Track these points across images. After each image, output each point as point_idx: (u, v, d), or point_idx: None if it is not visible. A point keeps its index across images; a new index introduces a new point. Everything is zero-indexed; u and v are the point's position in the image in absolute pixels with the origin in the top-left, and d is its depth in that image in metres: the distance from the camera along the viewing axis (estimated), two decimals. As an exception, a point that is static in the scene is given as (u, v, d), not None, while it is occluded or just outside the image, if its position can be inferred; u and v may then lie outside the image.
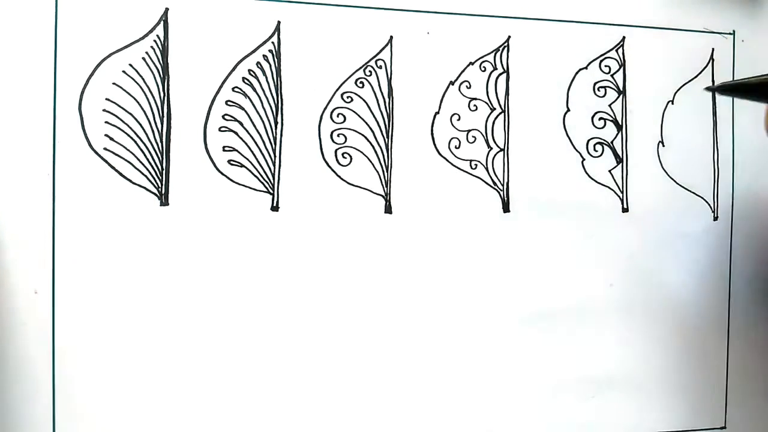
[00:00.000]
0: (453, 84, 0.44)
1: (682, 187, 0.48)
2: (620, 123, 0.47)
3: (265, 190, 0.42)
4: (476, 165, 0.45)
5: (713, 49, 0.48)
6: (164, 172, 0.41)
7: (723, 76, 0.48)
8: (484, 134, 0.45)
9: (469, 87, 0.45)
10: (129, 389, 0.40)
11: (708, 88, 0.43)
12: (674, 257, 0.48)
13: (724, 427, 0.49)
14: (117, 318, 0.40)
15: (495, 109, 0.45)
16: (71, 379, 0.40)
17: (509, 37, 0.45)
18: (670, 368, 0.48)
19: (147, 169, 0.40)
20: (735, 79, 0.47)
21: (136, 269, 0.40)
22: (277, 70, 0.42)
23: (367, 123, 0.43)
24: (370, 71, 0.43)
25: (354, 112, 0.43)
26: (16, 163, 0.39)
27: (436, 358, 0.44)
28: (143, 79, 0.40)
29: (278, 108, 0.42)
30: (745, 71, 0.49)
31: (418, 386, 0.44)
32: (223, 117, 0.41)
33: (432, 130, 0.44)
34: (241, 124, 0.42)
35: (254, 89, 0.42)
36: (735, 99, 0.48)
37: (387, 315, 0.44)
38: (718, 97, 0.48)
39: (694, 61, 0.48)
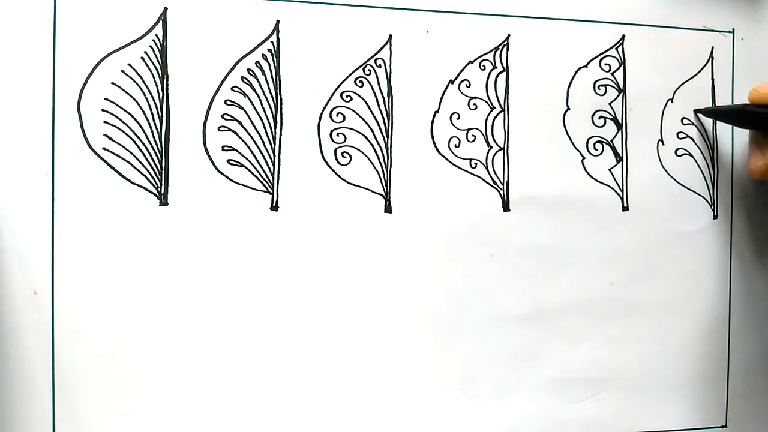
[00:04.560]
0: (453, 83, 0.44)
1: (682, 185, 0.48)
2: (620, 121, 0.47)
3: (265, 189, 0.42)
4: (476, 164, 0.45)
5: (713, 48, 0.48)
6: (163, 171, 0.41)
7: (722, 75, 0.48)
8: (484, 133, 0.45)
9: (469, 86, 0.45)
10: (128, 389, 0.40)
11: (697, 111, 0.47)
12: (674, 256, 0.48)
13: (725, 426, 0.49)
14: (117, 318, 0.40)
15: (495, 107, 0.45)
16: (71, 379, 0.40)
17: (509, 35, 0.45)
18: (671, 367, 0.48)
19: (146, 169, 0.40)
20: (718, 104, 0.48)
21: (135, 269, 0.40)
22: (276, 70, 0.42)
23: (366, 122, 0.43)
24: (369, 70, 0.43)
25: (353, 111, 0.43)
26: (15, 163, 0.39)
27: (436, 357, 0.44)
28: (142, 78, 0.40)
29: (277, 107, 0.42)
30: (745, 69, 0.49)
31: (417, 384, 0.44)
32: (222, 116, 0.41)
33: (432, 129, 0.44)
34: (241, 123, 0.42)
35: (253, 88, 0.42)
36: (734, 97, 0.48)
37: (387, 314, 0.44)
38: (717, 95, 0.48)
39: (694, 59, 0.48)
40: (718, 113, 0.47)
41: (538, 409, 0.46)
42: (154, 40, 0.40)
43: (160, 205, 0.41)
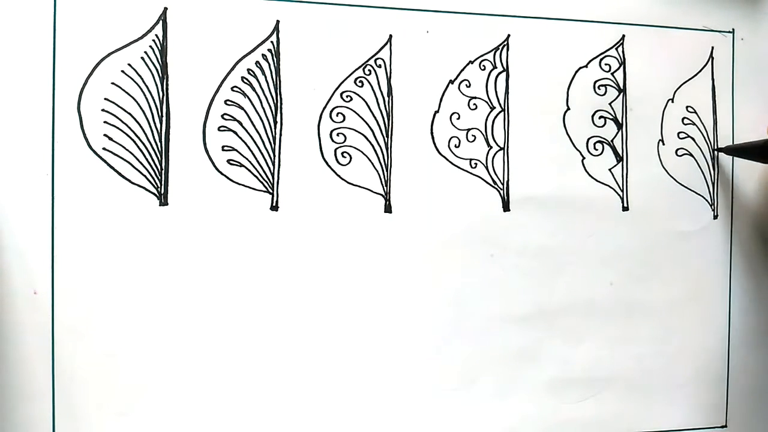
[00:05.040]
0: (453, 83, 0.44)
1: (682, 185, 0.48)
2: (620, 121, 0.47)
3: (265, 189, 0.42)
4: (476, 164, 0.45)
5: (713, 48, 0.48)
6: (163, 171, 0.41)
7: (722, 75, 0.48)
8: (484, 133, 0.45)
9: (469, 86, 0.45)
10: (128, 389, 0.40)
11: (719, 149, 0.47)
12: (674, 256, 0.48)
13: (725, 426, 0.49)
14: (117, 318, 0.40)
15: (495, 107, 0.45)
16: (71, 379, 0.40)
17: (509, 35, 0.45)
18: (671, 367, 0.48)
19: (146, 169, 0.40)
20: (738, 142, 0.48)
21: (135, 269, 0.40)
22: (276, 70, 0.42)
23: (366, 122, 0.43)
24: (369, 70, 0.43)
25: (353, 111, 0.43)
26: (15, 163, 0.39)
27: (436, 357, 0.44)
28: (142, 78, 0.40)
29: (277, 107, 0.42)
30: (745, 69, 0.49)
31: (417, 384, 0.44)
32: (222, 116, 0.41)
33: (432, 129, 0.44)
34: (241, 123, 0.42)
35: (253, 88, 0.42)
36: (734, 97, 0.48)
37: (386, 313, 0.44)
38: (717, 95, 0.48)
39: (694, 59, 0.48)
40: (740, 150, 0.47)
41: (538, 409, 0.46)
42: (154, 40, 0.40)
43: (160, 205, 0.41)
